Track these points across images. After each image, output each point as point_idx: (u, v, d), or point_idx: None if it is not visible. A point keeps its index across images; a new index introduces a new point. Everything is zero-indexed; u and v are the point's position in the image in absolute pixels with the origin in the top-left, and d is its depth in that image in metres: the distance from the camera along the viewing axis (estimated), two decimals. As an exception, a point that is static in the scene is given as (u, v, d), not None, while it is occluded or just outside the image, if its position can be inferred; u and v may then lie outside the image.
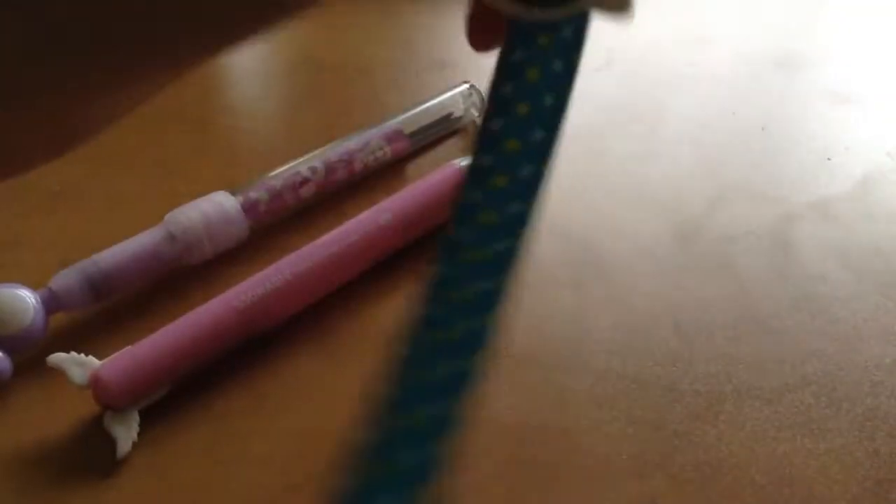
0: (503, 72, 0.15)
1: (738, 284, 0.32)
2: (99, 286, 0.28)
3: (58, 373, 0.25)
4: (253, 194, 0.32)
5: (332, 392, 0.27)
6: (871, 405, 0.28)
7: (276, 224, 0.33)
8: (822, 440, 0.26)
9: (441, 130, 0.39)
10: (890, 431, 0.27)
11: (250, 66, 0.45)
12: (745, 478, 0.25)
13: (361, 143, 0.36)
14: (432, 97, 0.39)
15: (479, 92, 0.40)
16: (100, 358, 0.26)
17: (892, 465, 0.26)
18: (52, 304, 0.28)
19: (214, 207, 0.31)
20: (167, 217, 0.30)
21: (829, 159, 0.40)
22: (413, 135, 0.37)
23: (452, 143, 0.39)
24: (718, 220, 0.36)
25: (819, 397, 0.28)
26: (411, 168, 0.38)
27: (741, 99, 0.44)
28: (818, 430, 0.27)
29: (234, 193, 0.32)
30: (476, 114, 0.40)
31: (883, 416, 0.27)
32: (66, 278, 0.28)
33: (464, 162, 0.35)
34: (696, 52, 0.48)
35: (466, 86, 0.40)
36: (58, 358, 0.25)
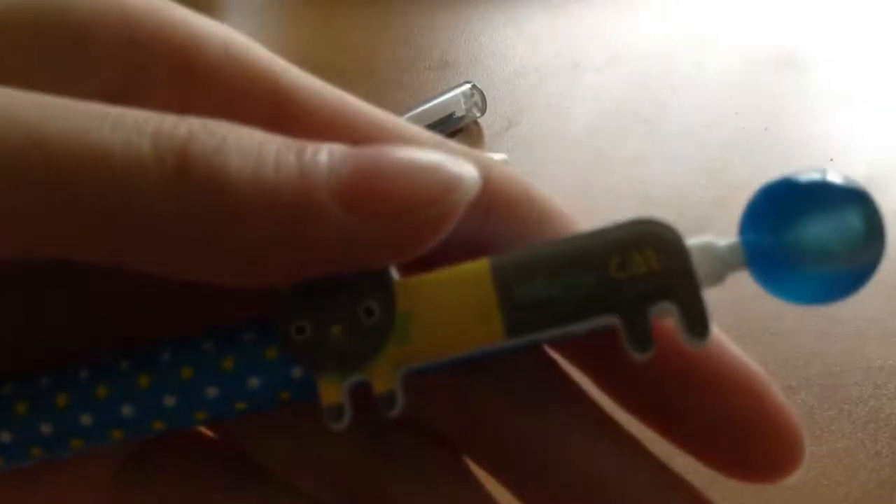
0: None
1: (740, 285, 0.32)
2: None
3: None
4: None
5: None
6: (873, 407, 0.28)
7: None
8: (825, 442, 0.26)
9: (442, 130, 0.39)
10: (892, 433, 0.27)
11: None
12: (746, 480, 0.25)
13: (362, 142, 0.36)
14: (434, 97, 0.39)
15: (480, 92, 0.40)
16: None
17: (895, 467, 0.26)
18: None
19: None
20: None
21: (831, 160, 0.40)
22: (414, 134, 0.37)
23: (454, 143, 0.39)
24: (721, 220, 0.36)
25: (821, 399, 0.28)
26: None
27: (744, 100, 0.44)
28: (820, 432, 0.27)
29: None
30: (477, 113, 0.40)
31: (885, 418, 0.27)
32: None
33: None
34: (699, 53, 0.48)
35: (468, 85, 0.40)
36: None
